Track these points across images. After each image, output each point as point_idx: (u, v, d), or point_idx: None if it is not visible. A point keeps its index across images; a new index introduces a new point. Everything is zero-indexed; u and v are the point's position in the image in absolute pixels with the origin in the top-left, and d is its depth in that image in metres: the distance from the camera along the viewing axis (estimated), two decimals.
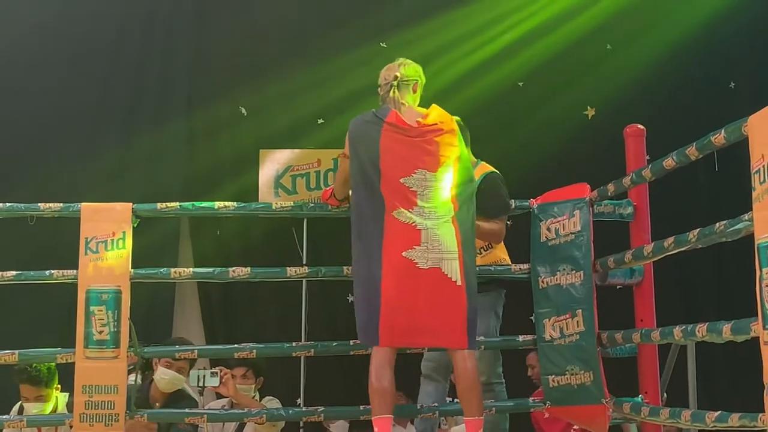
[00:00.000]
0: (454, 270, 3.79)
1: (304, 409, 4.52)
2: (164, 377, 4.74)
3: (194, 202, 4.39)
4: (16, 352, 4.16)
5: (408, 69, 4.05)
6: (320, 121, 6.71)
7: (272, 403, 5.06)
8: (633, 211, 4.24)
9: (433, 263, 3.77)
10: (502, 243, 4.59)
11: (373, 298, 3.77)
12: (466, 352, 3.82)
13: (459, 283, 3.79)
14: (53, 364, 4.59)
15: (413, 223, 3.79)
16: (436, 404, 4.37)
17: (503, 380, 4.53)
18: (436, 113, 3.99)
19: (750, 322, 2.91)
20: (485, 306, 4.49)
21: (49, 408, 4.71)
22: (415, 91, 4.05)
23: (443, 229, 3.81)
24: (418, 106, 4.05)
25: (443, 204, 3.85)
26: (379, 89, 4.07)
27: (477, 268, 4.43)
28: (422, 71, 4.13)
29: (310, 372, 6.16)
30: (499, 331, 4.53)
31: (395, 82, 3.97)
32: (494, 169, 4.54)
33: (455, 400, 5.34)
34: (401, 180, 3.83)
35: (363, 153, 3.89)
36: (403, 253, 3.75)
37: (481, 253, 4.55)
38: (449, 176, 3.91)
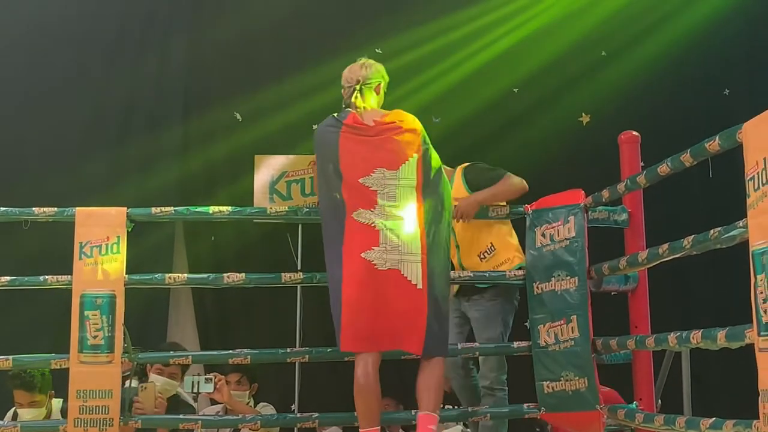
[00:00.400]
0: (414, 273, 3.73)
1: (298, 415, 4.52)
2: (156, 384, 4.72)
3: (189, 207, 4.40)
4: (10, 357, 4.16)
5: (370, 71, 4.02)
6: (315, 126, 6.67)
7: (267, 409, 5.05)
8: (627, 218, 4.25)
9: (392, 264, 3.72)
10: (509, 242, 4.60)
11: (337, 302, 3.77)
12: (434, 359, 3.77)
13: (419, 286, 3.72)
14: (47, 369, 4.58)
15: (372, 223, 3.76)
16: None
17: (506, 387, 4.54)
18: (397, 114, 3.98)
19: (745, 328, 2.92)
20: (493, 313, 4.53)
21: (43, 414, 4.70)
22: (378, 93, 4.04)
23: (405, 229, 3.76)
24: (384, 106, 4.06)
25: (406, 203, 3.80)
26: (342, 91, 4.06)
27: (472, 274, 4.46)
28: (385, 70, 4.10)
29: (305, 378, 6.15)
30: (506, 338, 4.54)
31: (357, 86, 3.96)
32: (468, 163, 4.63)
33: (446, 407, 5.36)
34: (360, 180, 3.81)
35: (325, 158, 3.92)
36: (362, 254, 3.72)
37: (485, 258, 4.55)
38: (413, 175, 3.85)
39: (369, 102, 3.99)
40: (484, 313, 4.55)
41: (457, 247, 4.63)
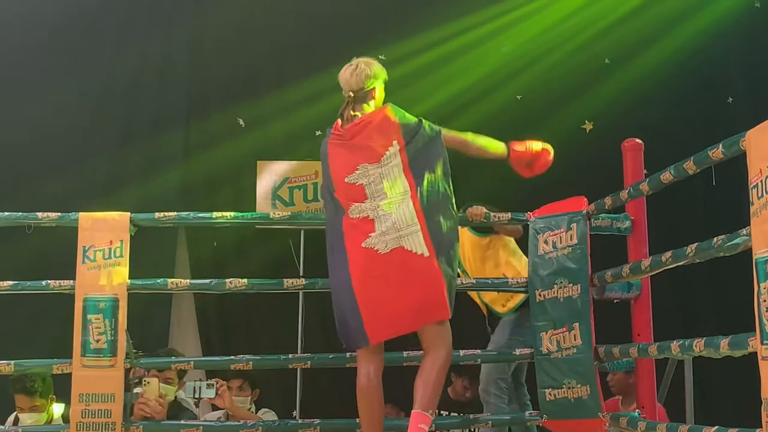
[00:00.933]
0: (417, 243, 3.69)
1: (300, 421, 4.50)
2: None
3: (192, 212, 4.40)
4: (12, 362, 4.15)
5: (360, 79, 3.90)
6: (318, 133, 6.70)
7: (268, 415, 5.05)
8: (630, 225, 4.23)
9: (393, 244, 3.70)
10: (521, 273, 4.64)
11: (350, 302, 3.74)
12: (439, 346, 3.70)
13: (427, 254, 3.68)
14: (49, 374, 4.57)
15: (366, 214, 3.76)
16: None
17: (503, 395, 4.55)
18: (370, 113, 3.89)
19: (748, 337, 2.90)
20: (508, 326, 4.71)
21: (44, 418, 4.70)
22: (374, 97, 3.95)
23: (396, 207, 3.73)
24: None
25: (394, 184, 3.76)
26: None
27: (475, 281, 4.48)
28: (378, 67, 3.96)
29: (306, 384, 6.15)
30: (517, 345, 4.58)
31: (350, 99, 3.89)
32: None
33: (451, 413, 5.38)
34: (346, 180, 3.81)
35: (323, 168, 3.95)
36: (362, 244, 3.72)
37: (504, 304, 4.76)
38: (395, 156, 3.79)
39: (363, 111, 3.91)
40: (498, 327, 4.73)
41: None
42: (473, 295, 4.95)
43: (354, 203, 3.79)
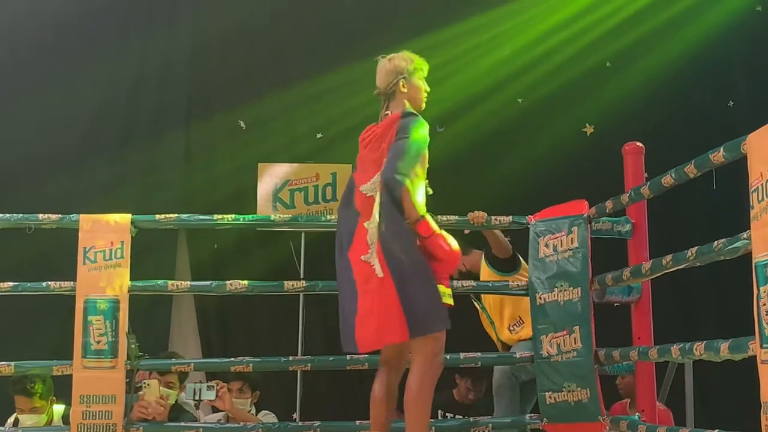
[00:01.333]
0: (376, 261, 3.52)
1: (300, 423, 4.51)
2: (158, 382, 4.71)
3: (193, 215, 4.41)
4: (12, 363, 4.16)
5: (381, 76, 3.75)
6: (319, 135, 6.71)
7: (268, 417, 5.04)
8: (631, 229, 4.24)
9: (366, 258, 3.58)
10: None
11: (352, 308, 3.67)
12: (421, 359, 3.53)
13: (381, 274, 3.48)
14: (49, 375, 4.57)
15: (368, 227, 3.64)
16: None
17: (515, 393, 4.59)
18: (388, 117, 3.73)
19: (748, 340, 2.91)
20: (523, 343, 4.75)
21: (44, 420, 4.69)
22: (403, 90, 3.72)
23: (375, 221, 3.56)
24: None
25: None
26: None
27: (475, 284, 4.49)
28: (399, 60, 3.74)
29: (307, 386, 6.14)
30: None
31: (382, 99, 3.77)
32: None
33: (456, 416, 5.38)
34: (361, 189, 3.71)
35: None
36: (362, 257, 3.59)
37: (514, 330, 4.87)
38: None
39: (391, 108, 3.74)
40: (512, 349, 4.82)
41: (492, 323, 4.97)
42: (491, 332, 5.05)
43: (366, 218, 3.63)
